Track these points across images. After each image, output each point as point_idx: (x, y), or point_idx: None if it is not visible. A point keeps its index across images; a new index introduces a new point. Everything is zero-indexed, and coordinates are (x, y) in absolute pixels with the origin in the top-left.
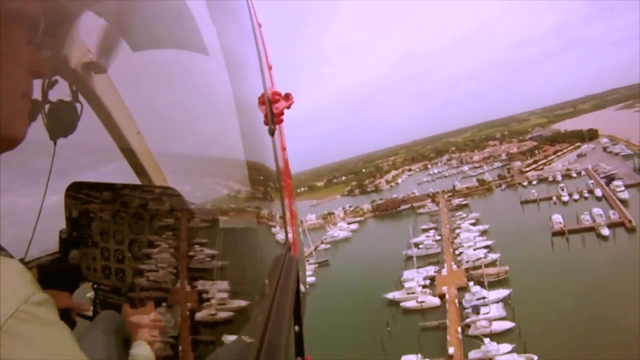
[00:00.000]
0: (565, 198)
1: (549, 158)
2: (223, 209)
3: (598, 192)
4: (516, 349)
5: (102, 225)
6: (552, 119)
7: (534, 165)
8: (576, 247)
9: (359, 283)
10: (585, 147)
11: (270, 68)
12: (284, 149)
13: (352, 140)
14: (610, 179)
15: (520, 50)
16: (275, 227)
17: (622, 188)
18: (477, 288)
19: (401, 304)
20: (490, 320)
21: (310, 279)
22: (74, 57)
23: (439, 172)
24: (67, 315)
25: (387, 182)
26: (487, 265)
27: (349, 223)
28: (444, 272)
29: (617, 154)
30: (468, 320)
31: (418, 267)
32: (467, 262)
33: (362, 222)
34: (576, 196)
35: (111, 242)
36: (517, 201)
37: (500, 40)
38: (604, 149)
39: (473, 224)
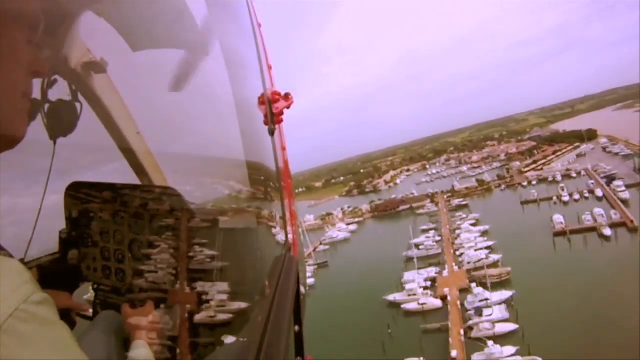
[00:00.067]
0: (566, 198)
1: (549, 158)
2: (223, 209)
3: (599, 192)
4: (520, 352)
5: (102, 225)
6: (550, 119)
7: (533, 166)
8: (578, 247)
9: (359, 285)
10: (585, 147)
11: (270, 68)
12: (283, 149)
13: (351, 141)
14: (610, 179)
15: (520, 50)
16: (275, 227)
17: (623, 188)
18: (480, 289)
19: (402, 305)
20: (494, 323)
21: (309, 281)
22: (74, 57)
23: (438, 172)
24: (67, 315)
25: (386, 182)
26: (489, 267)
27: (348, 224)
28: (445, 273)
29: (616, 154)
30: (471, 322)
31: (419, 269)
32: (468, 263)
33: (361, 222)
34: (577, 196)
35: (111, 242)
36: (517, 201)
37: (500, 40)
38: (604, 149)
39: (473, 225)
